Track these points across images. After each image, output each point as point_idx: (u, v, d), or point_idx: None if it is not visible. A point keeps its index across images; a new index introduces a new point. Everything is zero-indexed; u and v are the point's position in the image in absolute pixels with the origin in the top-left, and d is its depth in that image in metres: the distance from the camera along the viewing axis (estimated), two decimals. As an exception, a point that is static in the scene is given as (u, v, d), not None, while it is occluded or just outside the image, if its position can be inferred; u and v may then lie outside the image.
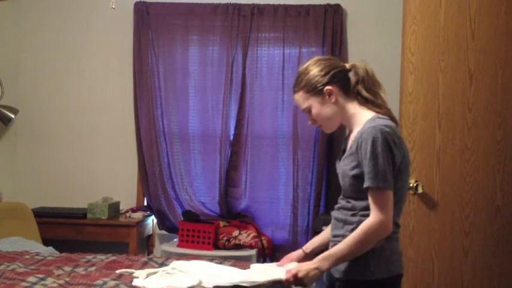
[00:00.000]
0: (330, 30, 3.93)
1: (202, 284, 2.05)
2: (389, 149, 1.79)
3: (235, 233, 3.82)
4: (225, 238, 3.80)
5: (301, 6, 3.98)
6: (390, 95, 3.69)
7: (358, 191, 1.85)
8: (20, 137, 4.30)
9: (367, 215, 1.82)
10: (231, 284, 2.00)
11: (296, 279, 1.84)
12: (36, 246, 3.35)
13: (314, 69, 1.96)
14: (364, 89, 1.94)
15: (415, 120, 2.80)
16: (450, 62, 2.78)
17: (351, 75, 1.97)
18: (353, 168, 1.85)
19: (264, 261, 3.76)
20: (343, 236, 1.85)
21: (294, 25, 3.98)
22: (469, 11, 2.77)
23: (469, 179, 2.78)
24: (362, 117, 1.90)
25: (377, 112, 1.90)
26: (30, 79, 4.31)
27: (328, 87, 1.93)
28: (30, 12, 4.30)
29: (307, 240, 3.90)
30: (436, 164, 2.79)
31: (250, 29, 4.01)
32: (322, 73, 1.94)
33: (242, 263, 2.75)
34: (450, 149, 2.79)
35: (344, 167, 1.90)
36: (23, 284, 2.25)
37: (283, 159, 4.03)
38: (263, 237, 3.87)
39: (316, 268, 1.83)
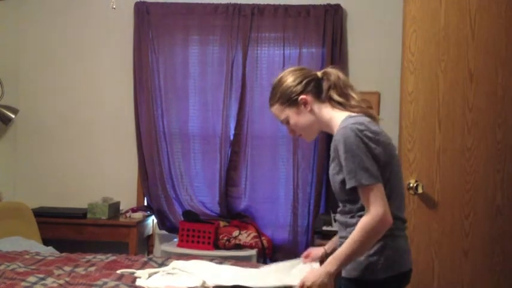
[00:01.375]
0: (330, 30, 3.93)
1: (206, 284, 2.05)
2: (364, 144, 1.79)
3: (236, 233, 3.82)
4: (225, 238, 3.80)
5: (302, 6, 3.98)
6: (390, 95, 3.72)
7: (349, 194, 1.85)
8: (20, 137, 4.30)
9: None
10: (233, 284, 2.00)
11: None
12: (36, 246, 3.35)
13: (287, 80, 1.99)
14: (336, 93, 1.97)
15: (415, 120, 2.80)
16: (450, 62, 2.78)
17: (323, 82, 2.00)
18: (338, 172, 1.87)
19: (264, 262, 3.75)
20: (347, 238, 1.86)
21: (294, 25, 3.98)
22: (469, 11, 2.77)
23: (469, 179, 2.78)
24: (337, 120, 1.92)
25: (351, 112, 1.92)
26: (30, 79, 4.31)
27: (302, 96, 1.96)
28: (30, 12, 4.30)
29: (307, 240, 3.93)
30: (436, 164, 2.79)
31: (251, 29, 4.01)
32: (295, 83, 1.97)
33: (242, 263, 2.75)
34: (450, 149, 2.79)
35: (331, 172, 1.92)
36: (23, 283, 2.25)
37: (283, 159, 4.03)
38: (263, 237, 3.87)
39: (325, 273, 1.83)
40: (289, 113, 1.99)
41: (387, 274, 1.86)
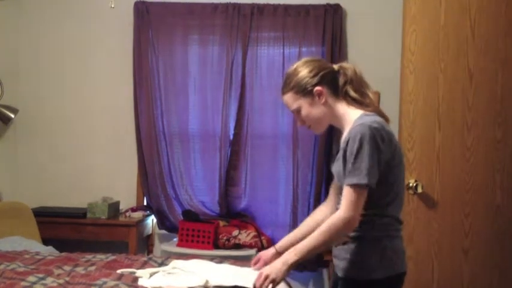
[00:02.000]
0: (330, 30, 3.93)
1: (209, 284, 2.05)
2: (376, 147, 1.79)
3: (235, 232, 3.82)
4: (224, 238, 3.80)
5: (301, 5, 3.98)
6: (390, 95, 3.72)
7: None
8: (20, 136, 4.30)
9: (367, 215, 1.83)
10: (233, 285, 2.00)
11: (269, 281, 1.86)
12: (36, 246, 3.35)
13: (303, 71, 1.97)
14: (352, 89, 1.97)
15: (415, 120, 2.80)
16: (450, 62, 2.78)
17: (339, 76, 1.99)
18: (345, 168, 1.85)
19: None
20: (352, 237, 1.87)
21: (293, 25, 3.98)
22: (469, 11, 2.77)
23: (469, 179, 2.78)
24: (351, 117, 1.92)
25: (365, 110, 1.92)
26: (30, 79, 4.31)
27: (317, 88, 1.95)
28: (30, 12, 4.30)
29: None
30: (436, 164, 2.79)
31: (250, 29, 4.01)
32: (312, 74, 1.95)
33: (242, 262, 2.75)
34: (450, 148, 2.79)
35: (338, 168, 1.91)
36: (23, 283, 2.25)
37: (283, 158, 4.03)
38: (263, 237, 3.87)
39: (282, 262, 1.86)
40: (302, 103, 1.98)
41: (385, 274, 1.86)
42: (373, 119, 1.84)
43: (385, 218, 1.86)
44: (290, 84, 1.99)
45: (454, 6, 2.78)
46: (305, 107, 1.98)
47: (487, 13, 2.76)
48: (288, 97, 2.01)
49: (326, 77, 1.96)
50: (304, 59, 2.04)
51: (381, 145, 1.80)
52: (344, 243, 1.91)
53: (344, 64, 2.01)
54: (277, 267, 1.87)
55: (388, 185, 1.84)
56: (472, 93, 2.77)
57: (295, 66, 2.02)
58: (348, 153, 1.81)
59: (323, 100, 1.95)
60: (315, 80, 1.95)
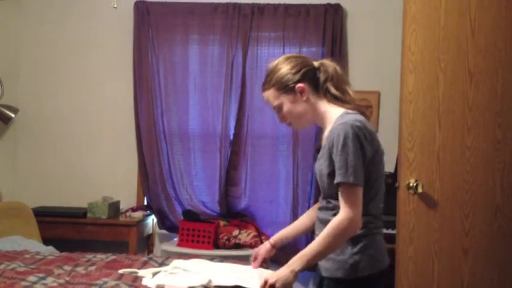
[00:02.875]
0: (330, 29, 3.93)
1: (212, 283, 2.05)
2: (360, 144, 1.79)
3: (236, 232, 3.82)
4: (225, 237, 3.80)
5: (301, 5, 3.98)
6: (390, 95, 3.72)
7: (337, 189, 1.83)
8: (20, 136, 4.30)
9: None
10: (234, 285, 2.00)
11: (270, 286, 1.82)
12: (37, 246, 3.35)
13: (285, 67, 1.96)
14: (332, 86, 1.96)
15: (415, 120, 2.80)
16: (450, 62, 2.78)
17: (320, 73, 1.98)
18: (327, 167, 1.85)
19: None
20: None
21: (294, 24, 3.98)
22: (469, 10, 2.77)
23: (469, 179, 2.78)
24: (332, 115, 1.91)
25: (346, 108, 1.92)
26: (31, 78, 4.31)
27: (299, 85, 1.94)
28: (30, 12, 4.30)
29: (306, 239, 3.93)
30: (436, 164, 2.79)
31: (251, 29, 4.02)
32: (293, 71, 1.94)
33: (242, 262, 2.75)
34: (450, 148, 2.79)
35: (320, 167, 1.91)
36: (23, 283, 2.25)
37: (283, 158, 4.03)
38: (263, 237, 3.87)
39: (289, 272, 1.81)
40: (284, 100, 1.96)
41: (370, 272, 1.86)
42: (355, 117, 1.84)
43: (365, 217, 1.84)
44: (271, 81, 1.97)
45: (454, 6, 2.78)
46: (286, 103, 1.96)
47: (487, 13, 2.76)
48: (269, 94, 1.99)
49: (308, 74, 1.95)
50: (286, 55, 2.03)
51: (364, 143, 1.80)
52: None
53: (325, 61, 2.00)
54: (284, 274, 1.81)
55: (371, 183, 1.85)
56: (472, 93, 2.77)
57: (276, 62, 2.00)
58: (334, 153, 1.81)
59: (305, 97, 1.94)
60: (297, 77, 1.94)
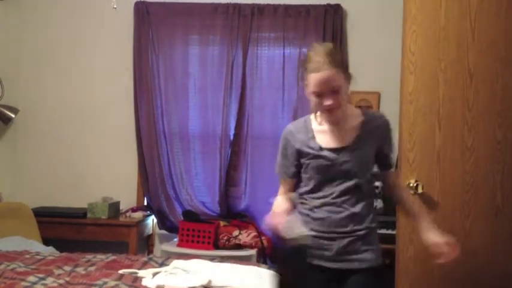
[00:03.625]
0: (330, 30, 3.93)
1: (212, 283, 2.05)
2: None
3: (236, 232, 3.82)
4: (225, 238, 3.80)
5: (302, 6, 3.98)
6: (390, 95, 3.72)
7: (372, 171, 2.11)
8: (20, 137, 4.30)
9: (374, 208, 2.15)
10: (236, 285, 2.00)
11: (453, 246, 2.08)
12: (37, 246, 3.35)
13: (340, 53, 2.07)
14: None
15: (415, 120, 2.80)
16: (450, 61, 2.78)
17: None
18: (374, 151, 2.08)
19: (264, 262, 3.75)
20: (368, 228, 2.05)
21: (294, 25, 3.98)
22: (469, 11, 2.76)
23: (469, 179, 2.78)
24: (350, 107, 2.11)
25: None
26: (31, 78, 4.31)
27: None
28: (30, 12, 4.30)
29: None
30: (436, 164, 2.79)
31: (251, 29, 4.02)
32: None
33: (242, 262, 2.75)
34: (450, 149, 2.78)
35: (366, 151, 2.06)
36: (23, 283, 2.25)
37: (283, 159, 4.02)
38: (263, 237, 3.86)
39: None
40: (343, 84, 1.98)
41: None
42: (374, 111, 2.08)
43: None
44: (339, 61, 1.96)
45: (454, 7, 2.77)
46: (343, 87, 1.98)
47: (487, 13, 2.76)
48: (337, 72, 1.93)
49: None
50: (328, 44, 2.10)
51: None
52: (357, 238, 2.03)
53: None
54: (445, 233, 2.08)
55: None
56: (472, 93, 2.77)
57: (329, 47, 1.99)
58: (390, 138, 2.10)
59: (348, 86, 2.04)
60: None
